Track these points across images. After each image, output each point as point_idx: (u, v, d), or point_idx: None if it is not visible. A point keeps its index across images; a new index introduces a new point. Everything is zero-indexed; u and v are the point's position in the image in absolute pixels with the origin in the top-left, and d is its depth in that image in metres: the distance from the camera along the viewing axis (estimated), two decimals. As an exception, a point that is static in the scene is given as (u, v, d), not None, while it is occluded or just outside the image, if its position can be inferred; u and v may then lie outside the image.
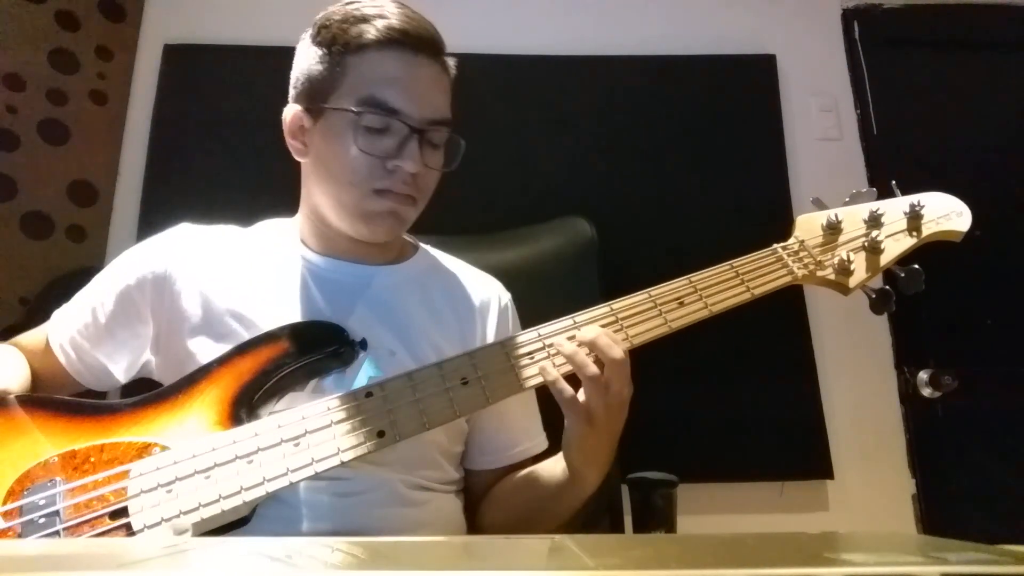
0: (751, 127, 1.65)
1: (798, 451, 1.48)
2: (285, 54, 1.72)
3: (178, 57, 1.58)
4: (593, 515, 1.05)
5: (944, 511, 1.49)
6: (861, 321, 1.56)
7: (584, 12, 1.71)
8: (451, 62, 0.82)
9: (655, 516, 0.99)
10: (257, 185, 1.47)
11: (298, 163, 0.85)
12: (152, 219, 1.47)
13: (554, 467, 0.79)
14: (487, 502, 0.88)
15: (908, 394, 1.54)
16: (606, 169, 1.59)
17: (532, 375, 0.69)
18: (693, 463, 1.42)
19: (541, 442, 0.90)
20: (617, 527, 1.08)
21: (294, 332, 0.74)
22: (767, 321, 1.48)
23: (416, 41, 0.76)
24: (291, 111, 0.81)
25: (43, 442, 0.66)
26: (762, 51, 1.70)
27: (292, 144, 0.82)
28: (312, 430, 0.65)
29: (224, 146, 1.53)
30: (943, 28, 1.78)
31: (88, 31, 1.55)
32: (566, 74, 1.63)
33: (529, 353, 0.70)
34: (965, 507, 1.49)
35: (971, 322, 1.59)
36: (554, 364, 0.69)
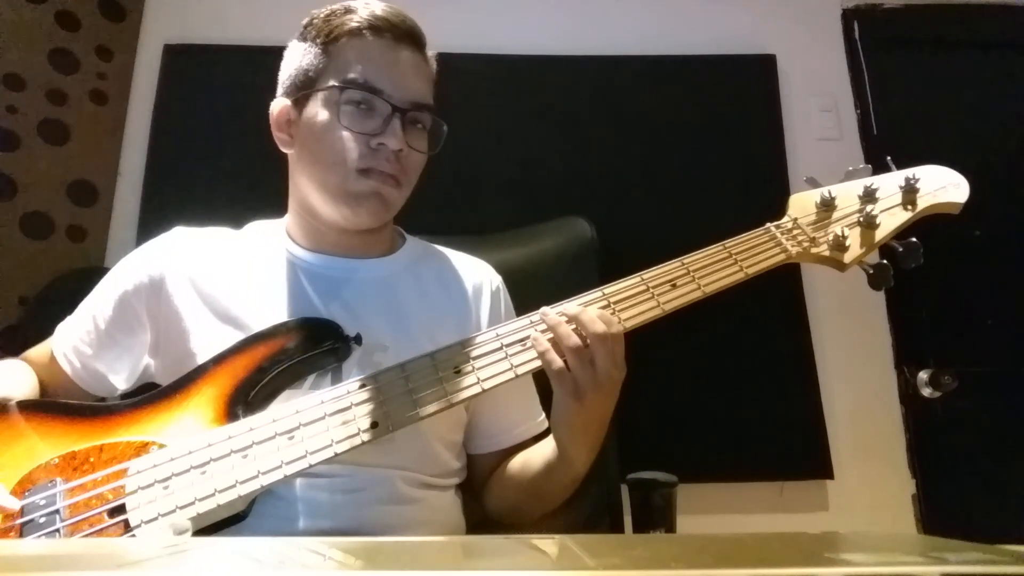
0: (751, 127, 1.65)
1: (798, 451, 1.48)
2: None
3: (178, 57, 1.58)
4: (593, 515, 1.05)
5: (944, 511, 1.49)
6: (861, 320, 1.56)
7: (584, 12, 1.71)
8: (432, 56, 0.85)
9: (655, 516, 0.99)
10: (257, 185, 1.47)
11: (287, 162, 0.86)
12: (152, 219, 1.47)
13: (545, 447, 0.80)
14: (490, 486, 0.88)
15: (908, 394, 1.54)
16: (606, 169, 1.59)
17: (525, 361, 0.69)
18: (693, 463, 1.42)
19: (541, 422, 0.90)
20: (617, 527, 1.07)
21: (289, 329, 0.74)
22: (767, 321, 1.49)
23: (397, 30, 0.79)
24: (278, 104, 0.83)
25: (44, 445, 0.67)
26: (762, 51, 1.70)
27: (278, 136, 0.84)
28: (306, 423, 0.65)
29: (224, 146, 1.53)
30: (943, 28, 1.78)
31: (88, 31, 1.55)
32: (566, 74, 1.63)
33: (522, 340, 0.70)
34: (965, 507, 1.49)
35: (971, 322, 1.59)
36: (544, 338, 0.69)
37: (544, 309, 0.70)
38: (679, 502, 1.03)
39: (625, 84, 1.64)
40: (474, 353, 0.69)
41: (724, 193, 1.59)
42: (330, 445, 0.64)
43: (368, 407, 0.66)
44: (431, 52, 0.84)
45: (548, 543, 0.43)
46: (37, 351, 0.87)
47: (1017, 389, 1.55)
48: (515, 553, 0.45)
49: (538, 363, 0.69)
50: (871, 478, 1.50)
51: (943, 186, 0.76)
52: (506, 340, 0.70)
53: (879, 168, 0.80)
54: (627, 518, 1.07)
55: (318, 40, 0.79)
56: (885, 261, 0.76)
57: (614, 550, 0.43)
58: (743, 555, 0.42)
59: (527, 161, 1.57)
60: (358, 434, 0.65)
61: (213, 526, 0.62)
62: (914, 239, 0.75)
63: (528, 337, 0.70)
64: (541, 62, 1.64)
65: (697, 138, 1.63)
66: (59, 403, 0.74)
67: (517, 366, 0.69)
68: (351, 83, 0.76)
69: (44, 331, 0.89)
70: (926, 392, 1.52)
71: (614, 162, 1.59)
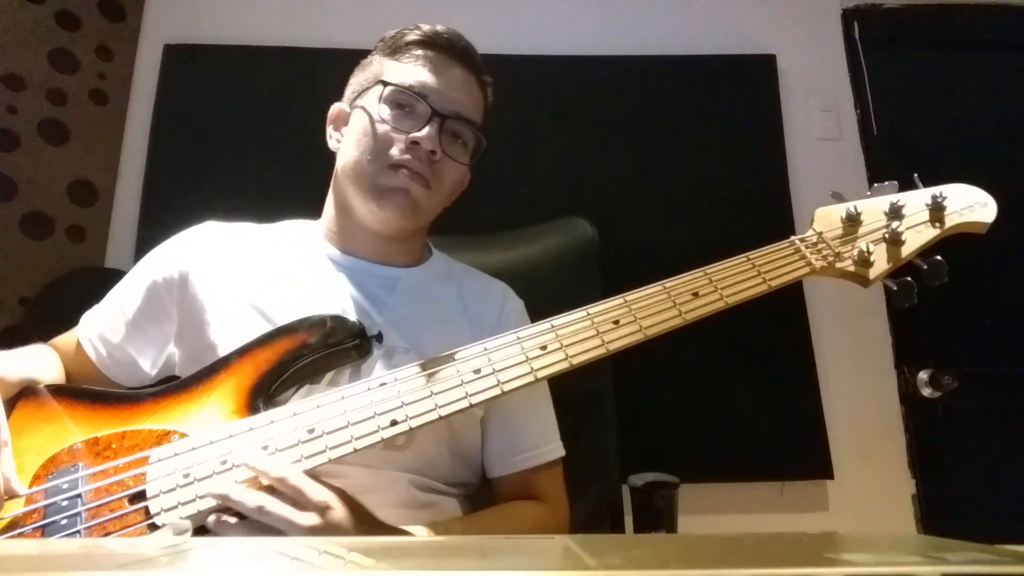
0: (751, 127, 1.65)
1: (798, 451, 1.48)
2: (285, 54, 1.73)
3: (178, 57, 1.59)
4: (593, 515, 1.05)
5: (944, 511, 1.49)
6: (861, 321, 1.57)
7: (585, 12, 1.72)
8: (489, 83, 0.90)
9: (656, 517, 0.99)
10: (257, 184, 1.47)
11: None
12: (152, 219, 1.47)
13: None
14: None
15: (908, 394, 1.54)
16: (606, 169, 1.59)
17: (545, 365, 0.68)
18: (693, 463, 1.42)
19: (554, 449, 0.88)
20: (618, 527, 1.07)
21: (312, 325, 0.75)
22: (767, 321, 1.49)
23: (454, 47, 0.85)
24: (336, 106, 0.90)
25: (69, 429, 0.69)
26: (762, 51, 1.70)
27: (330, 134, 0.90)
28: (326, 418, 0.66)
29: (224, 146, 1.53)
30: (943, 28, 1.78)
31: (88, 31, 1.55)
32: (567, 74, 1.64)
33: (542, 344, 0.70)
34: (965, 507, 1.49)
35: (971, 322, 1.59)
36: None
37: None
38: (679, 502, 1.03)
39: (625, 84, 1.65)
40: (494, 356, 0.69)
41: (724, 193, 1.59)
42: (349, 441, 0.64)
43: (388, 405, 0.66)
44: (488, 80, 0.90)
45: (548, 543, 0.43)
46: (63, 339, 0.87)
47: (1017, 389, 1.55)
48: (515, 553, 0.46)
49: (560, 367, 0.68)
50: (871, 478, 1.50)
51: (970, 205, 0.76)
52: (526, 344, 0.70)
53: (905, 185, 0.79)
54: (628, 518, 1.07)
55: (383, 52, 0.87)
56: (909, 278, 0.75)
57: (614, 550, 0.43)
58: (743, 555, 0.42)
59: (528, 161, 1.57)
60: (377, 430, 0.65)
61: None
62: (939, 257, 0.74)
63: (549, 342, 0.69)
64: (541, 62, 1.64)
65: (697, 138, 1.63)
66: (84, 389, 0.75)
67: (537, 370, 0.68)
68: (399, 85, 0.81)
69: (44, 331, 0.89)
70: (926, 392, 1.52)
71: (614, 162, 1.59)
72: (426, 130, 0.79)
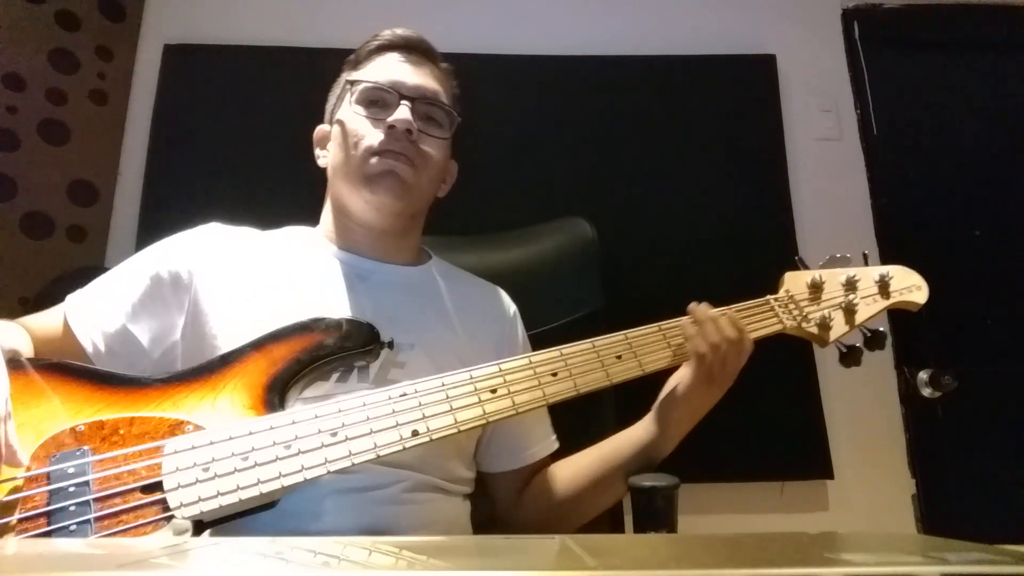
0: (751, 127, 1.65)
1: (798, 451, 1.48)
2: (285, 54, 1.73)
3: (178, 57, 1.58)
4: (593, 515, 1.05)
5: (944, 511, 1.49)
6: (861, 321, 1.57)
7: (584, 12, 1.71)
8: (451, 71, 0.93)
9: (656, 517, 0.99)
10: (257, 184, 1.47)
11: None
12: (152, 219, 1.47)
13: (628, 437, 0.90)
14: (525, 501, 0.90)
15: (908, 394, 1.54)
16: (606, 169, 1.59)
17: (557, 392, 0.74)
18: (693, 463, 1.41)
19: (553, 441, 0.93)
20: (617, 527, 1.08)
21: (329, 327, 0.75)
22: (767, 321, 1.49)
23: (411, 41, 0.90)
24: (318, 129, 0.95)
25: (65, 409, 0.65)
26: (762, 51, 1.70)
27: (317, 153, 0.94)
28: (349, 423, 0.67)
29: (224, 146, 1.53)
30: (943, 28, 1.78)
31: (88, 31, 1.55)
32: (566, 74, 1.63)
33: (553, 371, 0.76)
34: (965, 507, 1.49)
35: (971, 322, 1.59)
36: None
37: (693, 305, 0.83)
38: (679, 502, 1.03)
39: (625, 84, 1.64)
40: (509, 377, 0.74)
41: (724, 193, 1.59)
42: (373, 448, 0.66)
43: (410, 416, 0.69)
44: (450, 70, 0.94)
45: (548, 543, 0.43)
46: (41, 321, 0.82)
47: (1017, 389, 1.55)
48: (515, 553, 0.46)
49: (568, 395, 0.74)
50: (871, 478, 1.50)
51: (908, 286, 0.89)
52: (539, 368, 0.75)
53: (857, 260, 0.92)
54: (628, 518, 1.07)
55: (349, 67, 0.92)
56: (858, 344, 0.89)
57: (614, 550, 0.43)
58: (743, 555, 0.43)
59: (528, 161, 1.57)
60: (400, 440, 0.67)
61: (243, 512, 0.62)
62: (882, 328, 0.88)
63: (559, 369, 0.75)
64: (541, 62, 1.64)
65: (697, 138, 1.63)
66: (83, 367, 0.70)
67: (549, 395, 0.74)
68: (366, 81, 0.86)
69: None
70: (926, 392, 1.52)
71: (614, 162, 1.59)
72: (399, 112, 0.83)
